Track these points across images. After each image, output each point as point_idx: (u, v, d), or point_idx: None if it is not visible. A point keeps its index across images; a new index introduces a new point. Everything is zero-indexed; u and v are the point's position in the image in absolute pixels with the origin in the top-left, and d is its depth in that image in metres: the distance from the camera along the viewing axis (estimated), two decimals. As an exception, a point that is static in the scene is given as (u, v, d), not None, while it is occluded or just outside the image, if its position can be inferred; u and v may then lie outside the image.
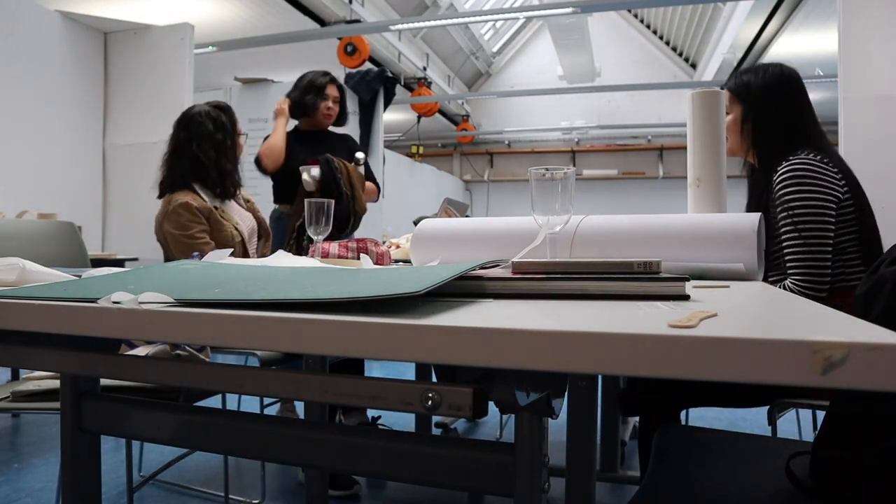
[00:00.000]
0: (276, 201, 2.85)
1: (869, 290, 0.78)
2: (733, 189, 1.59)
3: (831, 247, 1.49)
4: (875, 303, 0.76)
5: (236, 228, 2.22)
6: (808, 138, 1.60)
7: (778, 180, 1.53)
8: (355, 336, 0.52)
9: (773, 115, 1.63)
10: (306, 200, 1.57)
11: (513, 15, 8.61)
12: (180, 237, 2.09)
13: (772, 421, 1.47)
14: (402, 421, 2.72)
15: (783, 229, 1.51)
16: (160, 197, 2.21)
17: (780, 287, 1.49)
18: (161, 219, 2.14)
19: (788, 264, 1.51)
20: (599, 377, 1.67)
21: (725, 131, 1.60)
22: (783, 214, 1.51)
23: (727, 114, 1.70)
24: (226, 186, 2.23)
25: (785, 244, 1.51)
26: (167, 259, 2.17)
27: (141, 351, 1.30)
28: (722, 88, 1.66)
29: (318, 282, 0.71)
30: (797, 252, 1.48)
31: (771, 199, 1.56)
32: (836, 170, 1.52)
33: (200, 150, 2.19)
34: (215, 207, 2.19)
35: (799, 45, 6.81)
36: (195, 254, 2.12)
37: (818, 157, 1.52)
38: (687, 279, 0.69)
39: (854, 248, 1.53)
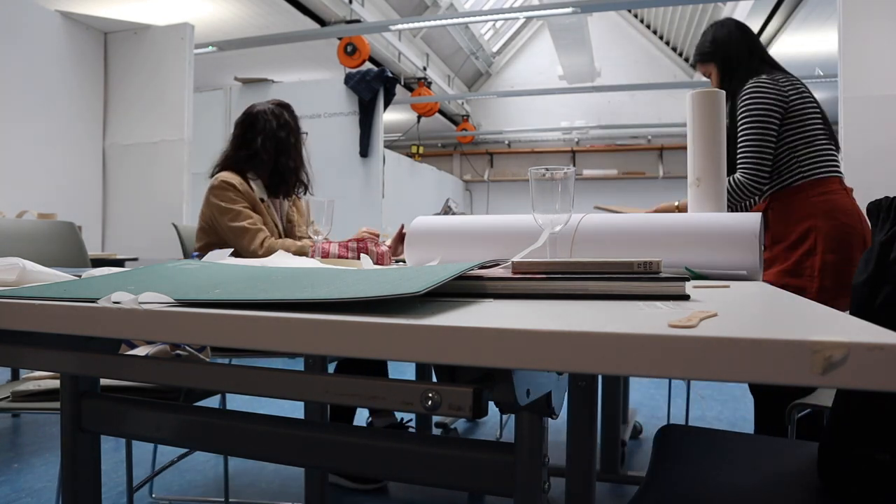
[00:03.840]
0: None
1: (871, 278, 0.78)
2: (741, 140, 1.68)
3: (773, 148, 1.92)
4: (881, 289, 0.76)
5: (276, 227, 2.26)
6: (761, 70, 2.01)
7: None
8: (355, 336, 0.52)
9: (732, 58, 2.06)
10: (306, 200, 1.57)
11: (513, 15, 8.61)
12: (227, 207, 2.11)
13: (790, 421, 1.45)
14: (402, 421, 2.71)
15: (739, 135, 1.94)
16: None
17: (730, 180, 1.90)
18: (206, 194, 2.18)
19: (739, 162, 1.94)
20: (599, 377, 1.67)
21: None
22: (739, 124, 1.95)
23: (709, 77, 2.15)
24: (286, 183, 2.26)
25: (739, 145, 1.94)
26: (199, 242, 2.20)
27: (141, 351, 1.30)
28: (694, 66, 2.18)
29: (319, 282, 0.71)
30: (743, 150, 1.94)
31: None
32: (785, 83, 1.94)
33: (263, 147, 2.21)
34: (262, 199, 2.23)
35: (799, 45, 6.81)
36: (195, 254, 2.13)
37: (770, 77, 1.95)
38: (687, 279, 0.69)
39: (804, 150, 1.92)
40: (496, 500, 1.78)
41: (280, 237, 2.25)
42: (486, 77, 11.61)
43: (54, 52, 4.08)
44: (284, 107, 2.31)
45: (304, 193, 2.33)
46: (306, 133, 2.36)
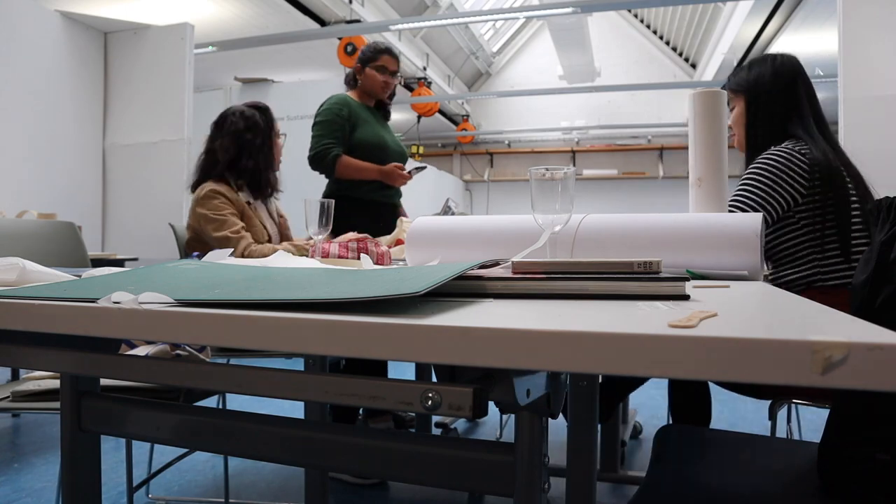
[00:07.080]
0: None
1: (871, 278, 0.77)
2: (734, 189, 1.60)
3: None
4: (881, 289, 0.76)
5: (266, 229, 2.26)
6: (795, 132, 1.67)
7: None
8: (355, 336, 0.52)
9: (764, 107, 1.71)
10: (305, 200, 1.57)
11: (513, 15, 8.61)
12: (213, 216, 2.10)
13: (772, 416, 1.46)
14: (402, 421, 2.71)
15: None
16: (193, 191, 2.23)
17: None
18: (193, 204, 2.17)
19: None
20: (599, 377, 1.67)
21: (731, 128, 1.69)
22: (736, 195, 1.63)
23: (731, 109, 1.79)
24: (258, 185, 2.24)
25: None
26: (189, 251, 2.20)
27: (141, 351, 1.30)
28: (723, 87, 1.72)
29: (318, 282, 0.71)
30: None
31: None
32: (806, 166, 1.59)
33: (223, 149, 2.20)
34: (248, 203, 2.22)
35: (799, 45, 6.81)
36: (195, 253, 2.13)
37: (796, 149, 1.61)
38: (687, 279, 0.69)
39: (833, 246, 1.59)
40: (496, 500, 1.78)
41: (270, 238, 2.25)
42: (486, 77, 11.61)
43: (54, 52, 4.08)
44: (258, 108, 2.28)
45: (265, 197, 2.30)
46: (284, 135, 2.33)
